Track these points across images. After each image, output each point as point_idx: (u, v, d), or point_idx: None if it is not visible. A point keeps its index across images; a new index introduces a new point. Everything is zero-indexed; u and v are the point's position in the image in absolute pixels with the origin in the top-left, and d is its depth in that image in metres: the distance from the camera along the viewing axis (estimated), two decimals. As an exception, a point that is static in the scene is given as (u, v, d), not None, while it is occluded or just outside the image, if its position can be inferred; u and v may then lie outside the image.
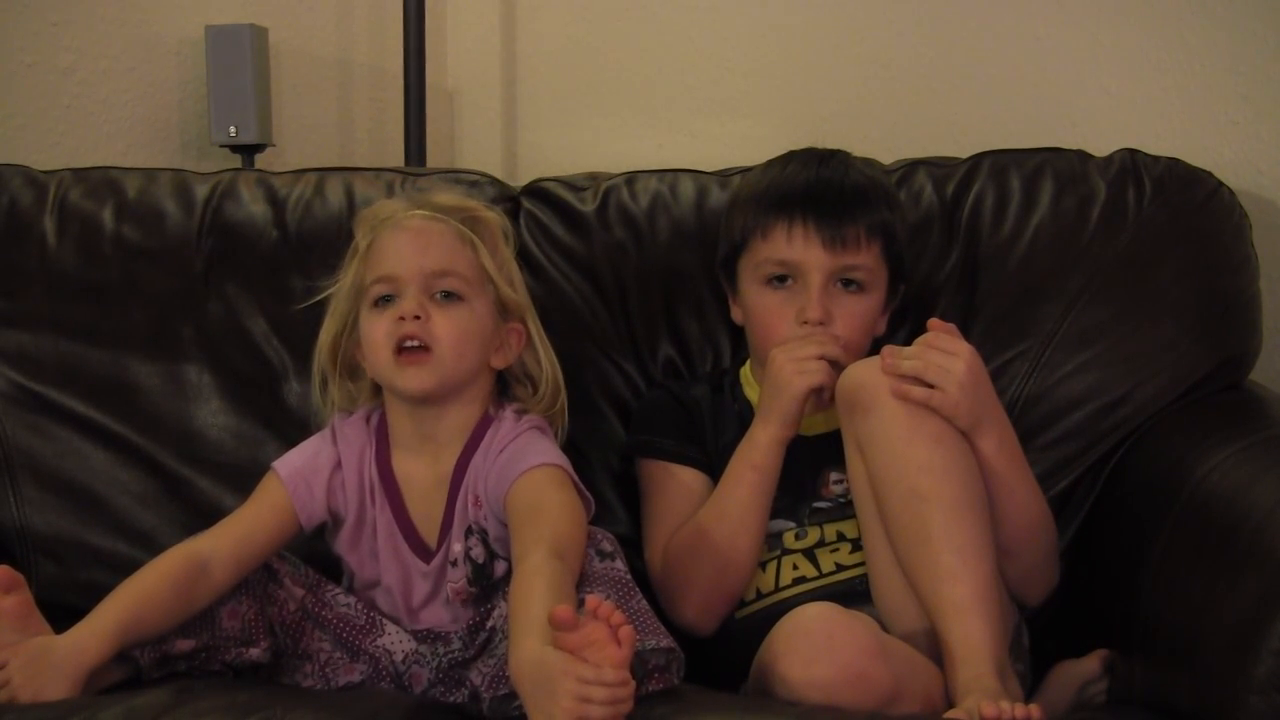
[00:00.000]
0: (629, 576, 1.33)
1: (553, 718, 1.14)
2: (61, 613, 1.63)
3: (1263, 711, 1.17)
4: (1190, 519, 1.39)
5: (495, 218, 1.52)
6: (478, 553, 1.43)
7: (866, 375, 1.41)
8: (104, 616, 1.31)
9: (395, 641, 1.45)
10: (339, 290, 1.49)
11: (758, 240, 1.53)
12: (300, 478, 1.46)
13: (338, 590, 1.48)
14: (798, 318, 1.50)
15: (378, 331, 1.43)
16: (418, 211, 1.47)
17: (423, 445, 1.47)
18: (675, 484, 1.55)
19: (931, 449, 1.36)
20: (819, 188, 1.52)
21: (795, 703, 1.24)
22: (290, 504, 1.45)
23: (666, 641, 1.26)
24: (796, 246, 1.50)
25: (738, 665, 1.38)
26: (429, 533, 1.46)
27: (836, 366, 1.47)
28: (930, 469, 1.35)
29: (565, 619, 1.14)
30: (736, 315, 1.61)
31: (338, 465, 1.48)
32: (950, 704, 1.28)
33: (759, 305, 1.54)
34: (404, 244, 1.44)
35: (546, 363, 1.51)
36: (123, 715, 1.20)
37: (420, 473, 1.47)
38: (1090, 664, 1.46)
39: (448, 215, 1.47)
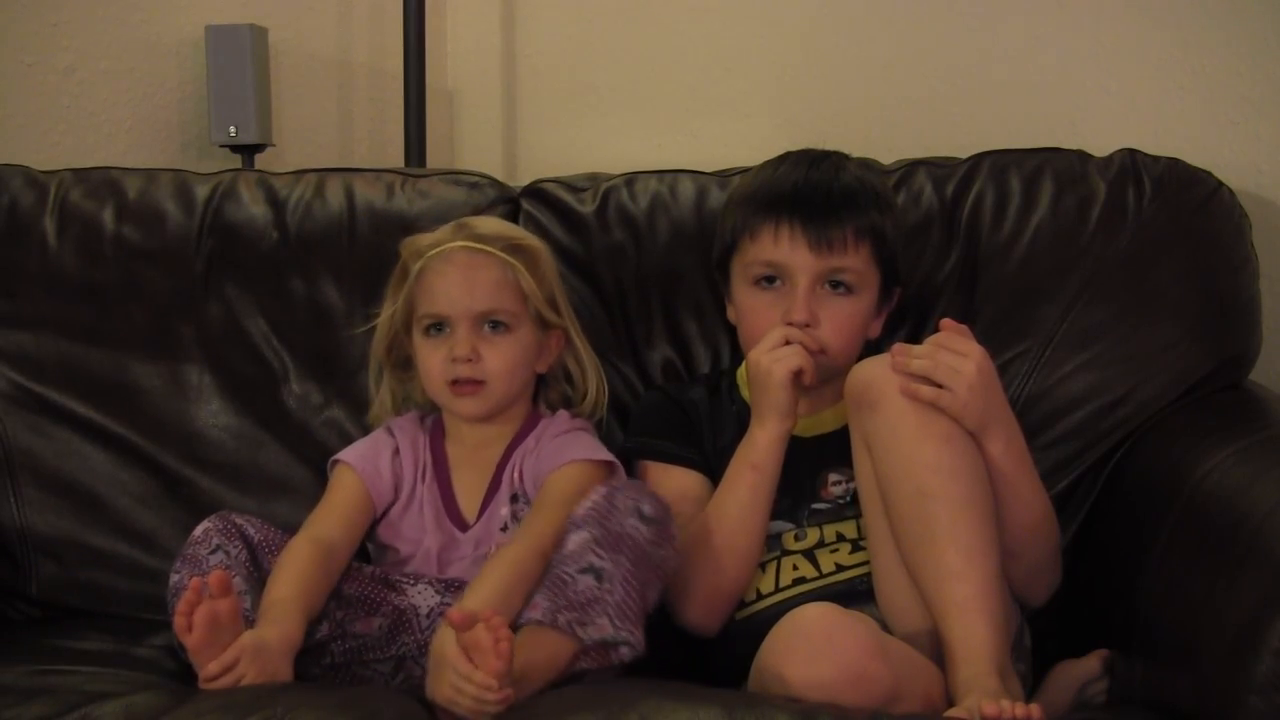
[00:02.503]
0: (649, 548, 1.35)
1: (434, 691, 1.29)
2: (62, 613, 1.64)
3: (1263, 711, 1.17)
4: (1190, 519, 1.39)
5: (538, 244, 1.60)
6: (524, 515, 1.51)
7: (875, 372, 1.41)
8: (289, 605, 1.38)
9: (422, 597, 1.48)
10: (393, 310, 1.56)
11: (746, 241, 1.53)
12: (368, 462, 1.56)
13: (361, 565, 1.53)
14: (783, 319, 1.50)
15: (432, 363, 1.53)
16: (461, 243, 1.53)
17: (475, 437, 1.58)
18: (674, 486, 1.54)
19: (939, 448, 1.36)
20: (807, 190, 1.51)
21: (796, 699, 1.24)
22: (365, 488, 1.54)
23: (630, 637, 1.34)
24: (783, 248, 1.50)
25: (738, 666, 1.37)
26: (469, 506, 1.55)
27: (824, 369, 1.49)
28: (938, 468, 1.35)
29: (458, 622, 1.24)
30: (731, 315, 1.61)
31: (396, 451, 1.57)
32: (951, 704, 1.28)
33: (747, 305, 1.54)
34: (453, 284, 1.52)
35: (591, 367, 1.62)
36: (122, 714, 1.21)
37: (469, 456, 1.58)
38: (1090, 664, 1.46)
39: (490, 244, 1.54)
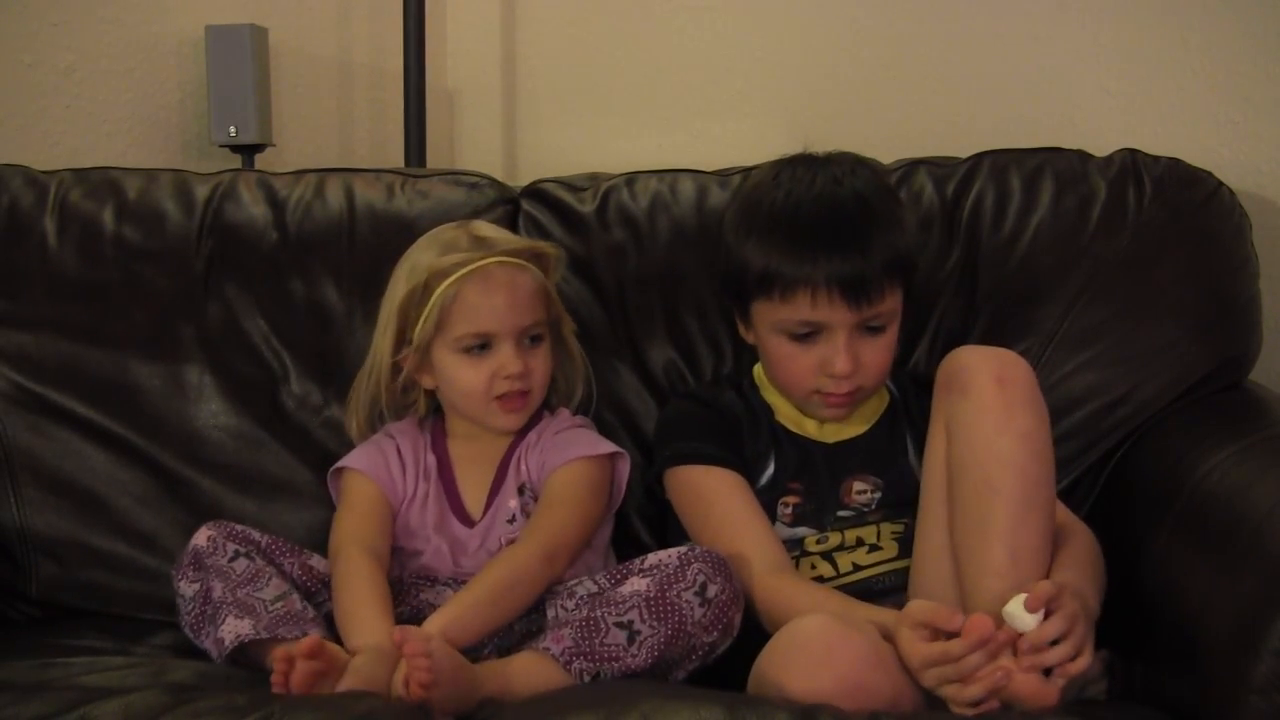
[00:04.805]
0: (694, 630, 1.33)
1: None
2: (62, 613, 1.64)
3: (1263, 711, 1.17)
4: (1190, 519, 1.39)
5: (555, 251, 1.61)
6: (531, 507, 1.54)
7: (972, 360, 1.41)
8: (382, 624, 1.38)
9: (438, 597, 1.48)
10: (420, 338, 1.53)
11: (777, 299, 1.47)
12: (378, 466, 1.57)
13: None
14: (824, 369, 1.48)
15: (475, 381, 1.54)
16: (497, 259, 1.53)
17: (481, 436, 1.59)
18: (728, 488, 1.51)
19: (1016, 443, 1.35)
20: (840, 241, 1.45)
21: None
22: (381, 491, 1.55)
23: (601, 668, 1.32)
24: (821, 309, 1.46)
25: (748, 662, 1.36)
26: (474, 503, 1.57)
27: (862, 393, 1.52)
28: (1009, 463, 1.35)
29: (396, 643, 1.27)
30: (748, 337, 1.57)
31: (398, 452, 1.58)
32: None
33: (781, 354, 1.51)
34: (499, 302, 1.52)
35: (580, 364, 1.65)
36: (121, 713, 1.20)
37: (472, 454, 1.59)
38: (1090, 664, 1.45)
39: (521, 256, 1.55)
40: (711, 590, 1.34)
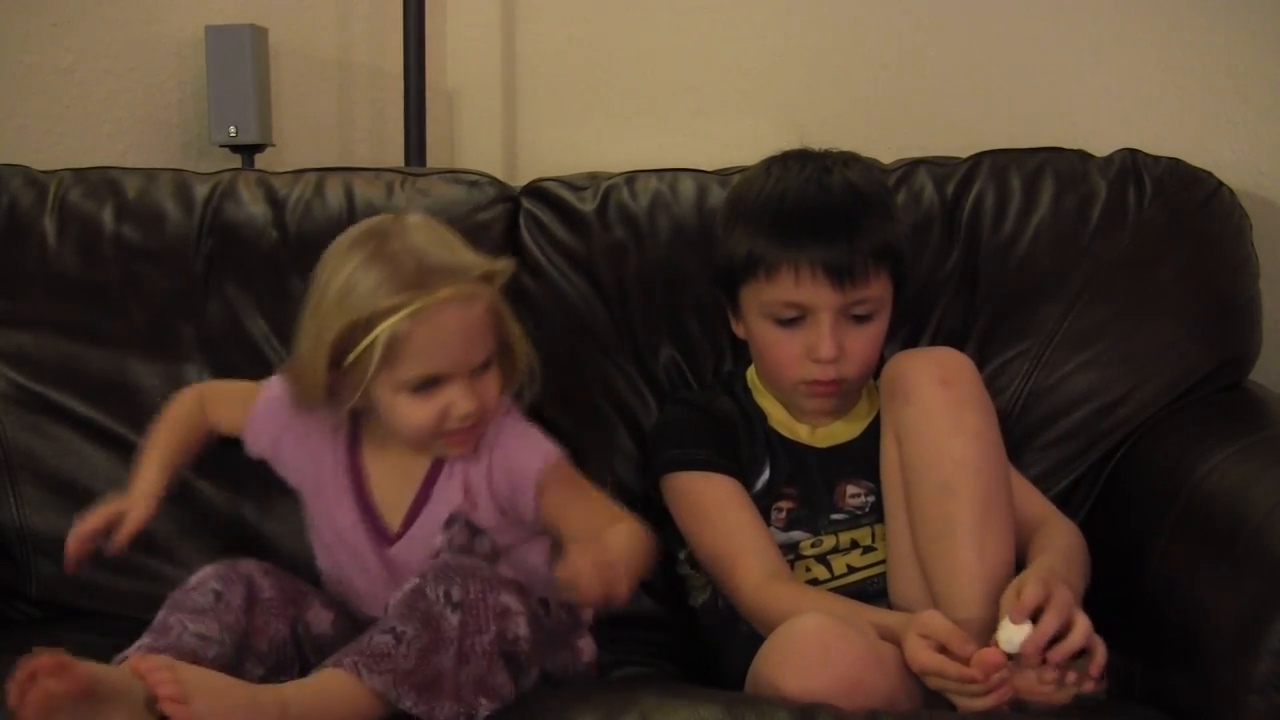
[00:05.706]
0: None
1: None
2: (62, 613, 1.64)
3: (1263, 711, 1.17)
4: (1190, 519, 1.39)
5: (504, 265, 1.42)
6: (460, 539, 1.40)
7: (911, 365, 1.41)
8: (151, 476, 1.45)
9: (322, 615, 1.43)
10: (357, 375, 1.37)
11: (762, 279, 1.48)
12: (272, 415, 1.49)
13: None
14: (809, 355, 1.47)
15: (424, 418, 1.38)
16: (445, 293, 1.35)
17: (397, 453, 1.46)
18: (725, 494, 1.50)
19: (968, 443, 1.36)
20: (825, 222, 1.46)
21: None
22: (280, 401, 1.48)
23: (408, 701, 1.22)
24: (805, 289, 1.46)
25: (744, 664, 1.37)
26: (392, 519, 1.46)
27: (846, 394, 1.52)
28: (964, 463, 1.35)
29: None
30: (739, 330, 1.57)
31: (307, 437, 1.47)
32: (949, 708, 1.28)
33: (767, 340, 1.51)
34: (452, 342, 1.36)
35: (524, 359, 1.47)
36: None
37: (389, 465, 1.46)
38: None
39: (472, 285, 1.38)
40: (456, 595, 1.26)
